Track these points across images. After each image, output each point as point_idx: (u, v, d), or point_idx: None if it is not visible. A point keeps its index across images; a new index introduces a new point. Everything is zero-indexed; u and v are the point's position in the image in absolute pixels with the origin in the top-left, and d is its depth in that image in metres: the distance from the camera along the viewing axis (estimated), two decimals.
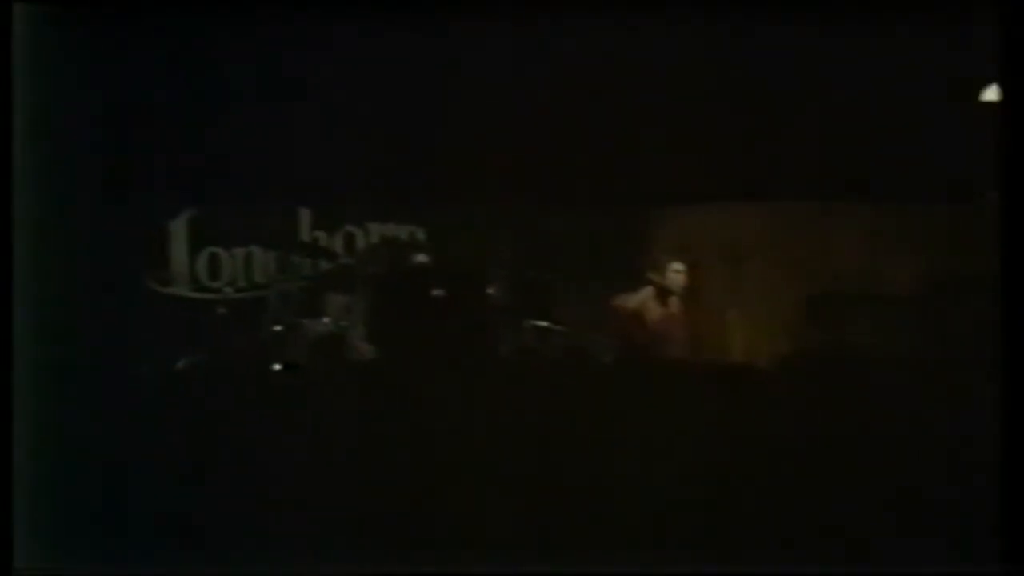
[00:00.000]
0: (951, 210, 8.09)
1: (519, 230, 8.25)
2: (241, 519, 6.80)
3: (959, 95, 7.90)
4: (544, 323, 8.03)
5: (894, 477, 6.56)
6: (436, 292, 8.00)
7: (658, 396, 7.21)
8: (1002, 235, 5.99)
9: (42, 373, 6.82)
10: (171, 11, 7.19)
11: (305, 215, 8.22)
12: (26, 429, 6.75)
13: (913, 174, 8.04)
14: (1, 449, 6.57)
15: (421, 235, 8.36)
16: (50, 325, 6.84)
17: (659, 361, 8.06)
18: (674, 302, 8.19)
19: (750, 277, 8.48)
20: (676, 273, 8.16)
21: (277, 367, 7.74)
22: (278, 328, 7.96)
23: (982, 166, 7.49)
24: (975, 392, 6.68)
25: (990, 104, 7.68)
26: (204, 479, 6.94)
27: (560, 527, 6.95)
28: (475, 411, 7.12)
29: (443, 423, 7.09)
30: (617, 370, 7.96)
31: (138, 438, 6.95)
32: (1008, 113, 5.96)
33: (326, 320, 8.04)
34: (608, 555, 6.78)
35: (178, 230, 8.03)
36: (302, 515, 6.84)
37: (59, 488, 6.86)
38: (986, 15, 6.36)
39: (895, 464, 6.57)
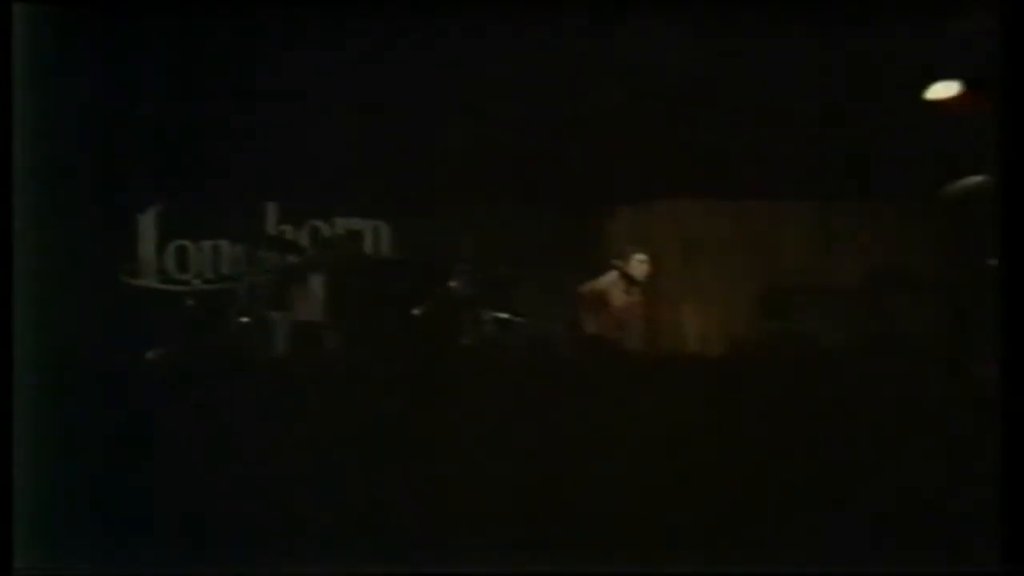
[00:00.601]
0: (905, 209, 8.41)
1: (482, 225, 8.43)
2: (238, 517, 6.86)
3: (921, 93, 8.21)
4: (506, 315, 8.23)
5: (871, 470, 6.76)
6: (399, 285, 8.19)
7: (620, 383, 7.37)
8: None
9: (36, 370, 6.86)
10: (167, 11, 7.26)
11: (272, 209, 8.33)
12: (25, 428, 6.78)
13: (869, 173, 8.35)
14: (1, 449, 6.59)
15: (385, 230, 8.51)
16: (43, 323, 6.88)
17: (622, 348, 8.29)
18: (637, 291, 8.44)
19: (713, 269, 8.73)
20: (640, 263, 8.41)
21: None
22: (245, 319, 8.09)
23: (945, 167, 7.84)
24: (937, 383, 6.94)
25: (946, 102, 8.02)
26: (189, 474, 7.01)
27: (524, 516, 7.05)
28: (439, 400, 7.25)
29: (406, 412, 7.20)
30: (579, 357, 8.16)
31: (115, 429, 7.01)
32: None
33: (292, 312, 8.18)
34: (575, 548, 6.89)
35: (147, 224, 8.10)
36: (293, 512, 6.91)
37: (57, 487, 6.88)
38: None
39: (869, 457, 6.78)
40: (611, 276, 8.45)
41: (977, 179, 7.94)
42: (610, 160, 8.37)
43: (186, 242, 8.34)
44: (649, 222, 8.79)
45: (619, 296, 8.42)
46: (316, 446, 7.19)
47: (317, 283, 8.26)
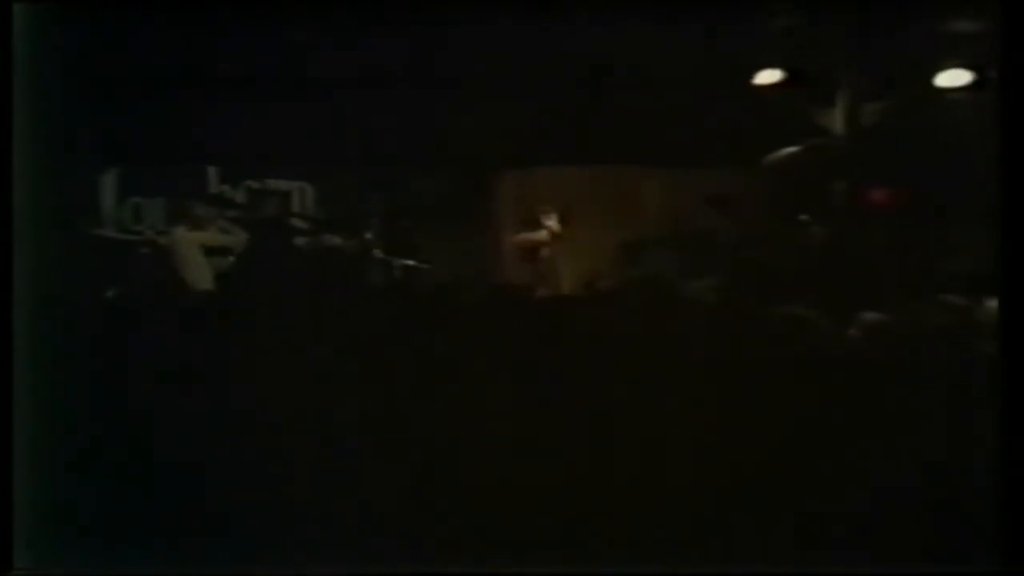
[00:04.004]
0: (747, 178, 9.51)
1: (399, 186, 9.62)
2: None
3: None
4: (413, 262, 9.56)
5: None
6: (317, 238, 9.52)
7: (519, 326, 8.03)
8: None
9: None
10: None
11: (213, 172, 9.56)
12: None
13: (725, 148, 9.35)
14: (1, 449, 6.74)
15: (309, 189, 9.79)
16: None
17: (522, 294, 9.39)
18: (543, 246, 9.49)
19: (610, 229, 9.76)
20: (547, 221, 9.47)
21: None
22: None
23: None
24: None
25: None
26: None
27: (424, 463, 7.46)
28: (350, 340, 7.88)
29: (320, 353, 7.78)
30: (486, 303, 8.98)
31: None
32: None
33: (230, 259, 9.55)
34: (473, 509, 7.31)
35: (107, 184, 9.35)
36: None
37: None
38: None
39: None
40: (541, 232, 9.47)
41: (795, 148, 9.06)
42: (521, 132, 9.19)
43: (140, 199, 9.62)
44: (553, 188, 9.77)
45: (545, 250, 9.49)
46: (234, 387, 7.69)
47: (250, 234, 9.57)
